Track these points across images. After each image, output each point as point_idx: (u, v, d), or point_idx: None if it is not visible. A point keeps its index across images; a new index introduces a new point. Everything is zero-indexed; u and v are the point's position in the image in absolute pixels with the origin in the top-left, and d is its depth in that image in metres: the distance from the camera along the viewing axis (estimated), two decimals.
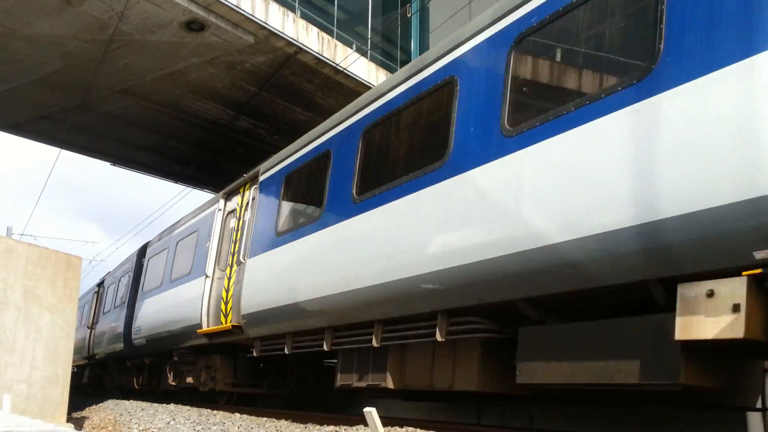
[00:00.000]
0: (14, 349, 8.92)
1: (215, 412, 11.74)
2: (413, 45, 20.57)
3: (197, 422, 9.50)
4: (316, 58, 16.24)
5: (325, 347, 8.56)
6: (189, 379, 13.62)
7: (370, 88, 17.13)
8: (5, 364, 8.82)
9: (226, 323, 11.03)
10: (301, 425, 8.62)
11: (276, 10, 15.29)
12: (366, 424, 6.28)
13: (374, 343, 7.57)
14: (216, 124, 20.15)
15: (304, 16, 16.36)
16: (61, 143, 22.44)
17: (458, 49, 6.76)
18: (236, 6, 14.37)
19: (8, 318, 8.93)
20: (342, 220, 8.11)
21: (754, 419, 5.61)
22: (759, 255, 4.00)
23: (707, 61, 4.37)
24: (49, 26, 14.76)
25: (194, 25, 14.72)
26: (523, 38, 5.86)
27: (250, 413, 11.35)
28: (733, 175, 4.05)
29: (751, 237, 4.00)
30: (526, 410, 9.02)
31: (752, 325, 4.05)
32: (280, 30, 15.32)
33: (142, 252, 18.07)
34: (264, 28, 15.05)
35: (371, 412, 5.93)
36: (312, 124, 19.67)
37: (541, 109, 5.58)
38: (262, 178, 11.03)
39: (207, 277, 12.18)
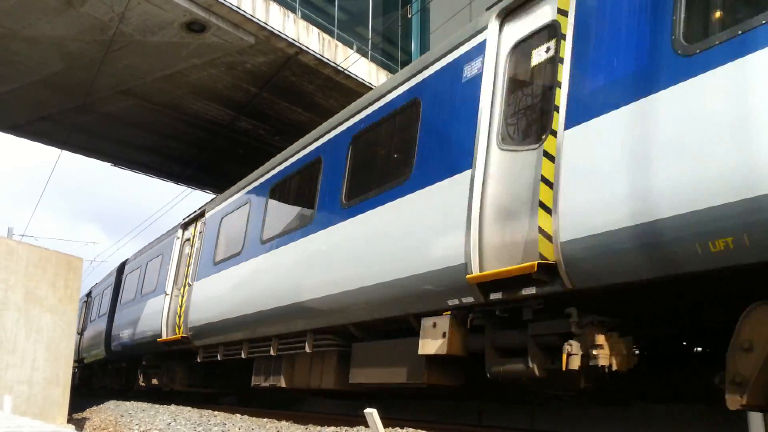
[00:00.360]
0: (15, 350, 8.92)
1: (216, 413, 11.74)
2: (414, 45, 20.57)
3: (198, 423, 9.50)
4: (317, 58, 16.23)
5: (243, 355, 10.96)
6: (154, 381, 15.86)
7: (371, 88, 17.15)
8: (6, 365, 8.82)
9: (178, 334, 13.23)
10: (302, 426, 8.62)
11: (276, 10, 15.29)
12: (367, 425, 6.28)
13: (272, 353, 10.03)
14: (216, 124, 20.15)
15: (304, 17, 16.36)
16: (62, 144, 22.43)
17: (323, 137, 9.50)
18: (237, 7, 14.37)
19: (9, 319, 8.93)
20: (253, 257, 10.63)
21: (756, 420, 5.61)
22: (450, 303, 6.42)
23: (434, 176, 6.85)
24: (49, 27, 14.76)
25: (195, 26, 14.72)
26: (355, 137, 8.52)
27: (251, 414, 11.36)
28: (435, 254, 6.54)
29: (445, 291, 6.41)
30: (528, 411, 9.02)
31: (453, 345, 6.36)
32: (281, 31, 15.32)
33: (121, 268, 20.67)
34: (264, 28, 15.05)
35: (372, 413, 5.93)
36: (313, 124, 19.67)
37: (362, 190, 8.08)
38: (206, 215, 13.64)
39: (166, 294, 14.49)
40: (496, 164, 6.11)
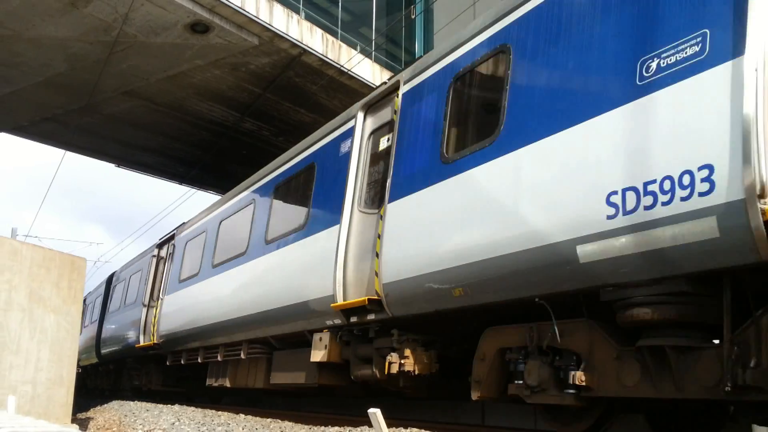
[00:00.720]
0: (19, 351, 8.94)
1: (220, 413, 11.75)
2: (417, 46, 20.56)
3: (202, 423, 9.51)
4: (321, 59, 16.23)
5: (199, 360, 13.18)
6: (135, 381, 18.25)
7: (375, 89, 17.18)
8: (10, 366, 8.83)
9: (152, 341, 15.38)
10: (306, 426, 8.62)
11: (280, 11, 15.30)
12: (370, 425, 6.27)
13: (219, 358, 12.24)
14: (220, 125, 20.17)
15: (308, 18, 16.36)
16: (66, 145, 22.48)
17: (256, 184, 11.78)
18: (240, 8, 14.38)
19: (13, 319, 8.94)
20: (206, 278, 12.81)
21: None
22: (327, 323, 8.40)
23: (319, 226, 8.89)
24: (53, 28, 14.79)
25: (198, 27, 14.73)
26: (276, 187, 10.78)
27: (254, 414, 11.36)
28: (317, 285, 8.55)
29: (323, 314, 8.42)
30: (530, 410, 8.99)
31: (332, 354, 8.33)
32: (285, 32, 15.32)
33: (109, 280, 22.82)
34: (268, 29, 15.06)
35: (376, 413, 5.92)
36: (317, 125, 19.67)
37: (278, 231, 10.21)
38: (176, 238, 15.79)
39: (144, 305, 16.69)
40: (355, 222, 8.17)
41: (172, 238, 16.19)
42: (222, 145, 21.67)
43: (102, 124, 20.48)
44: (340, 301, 7.99)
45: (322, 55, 16.17)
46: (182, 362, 14.08)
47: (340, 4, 18.37)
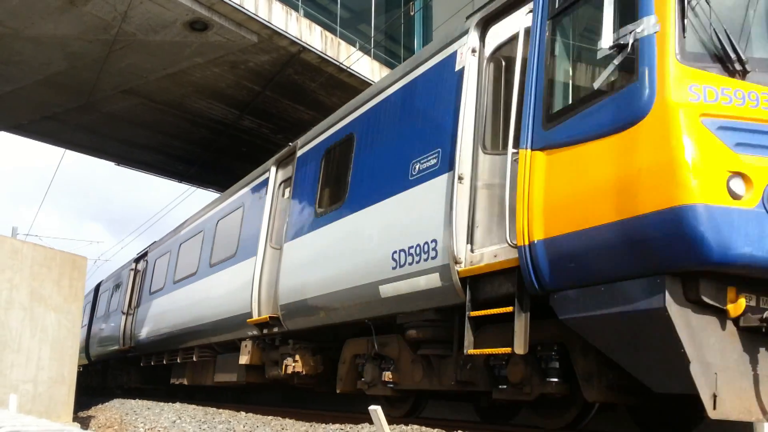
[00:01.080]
0: (20, 349, 8.95)
1: (221, 411, 11.77)
2: (416, 43, 20.55)
3: (203, 421, 9.53)
4: (320, 56, 16.22)
5: (164, 362, 15.70)
6: (118, 380, 20.79)
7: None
8: (11, 364, 8.85)
9: (130, 345, 17.88)
10: (306, 423, 8.64)
11: (279, 9, 15.28)
12: (371, 422, 6.28)
13: (179, 360, 14.67)
14: (220, 123, 20.16)
15: (307, 15, 16.35)
16: (66, 143, 22.48)
17: (203, 216, 14.61)
18: (239, 5, 14.36)
19: (14, 318, 8.95)
20: (168, 292, 15.29)
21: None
22: (249, 333, 10.57)
23: (244, 256, 11.23)
24: (52, 27, 14.78)
25: (197, 25, 14.72)
26: (218, 221, 13.33)
27: (255, 412, 11.38)
28: (241, 303, 10.82)
29: (246, 326, 10.59)
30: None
31: (254, 358, 10.50)
32: (284, 29, 15.30)
33: (97, 287, 25.44)
34: (267, 27, 15.04)
35: (376, 411, 5.93)
36: (316, 122, 19.64)
37: (219, 257, 12.74)
38: (148, 255, 18.66)
39: (123, 313, 19.09)
40: (268, 256, 10.44)
41: (146, 254, 18.97)
42: (221, 143, 21.67)
43: (101, 123, 20.47)
44: (255, 317, 10.28)
45: (321, 52, 16.16)
46: (152, 363, 16.70)
47: (338, 1, 18.36)
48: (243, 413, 11.13)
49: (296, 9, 16.06)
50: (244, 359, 10.70)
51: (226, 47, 15.65)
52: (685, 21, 4.61)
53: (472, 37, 6.60)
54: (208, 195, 34.38)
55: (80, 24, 14.66)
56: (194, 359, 13.51)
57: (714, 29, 4.62)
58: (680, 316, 4.41)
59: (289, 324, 9.37)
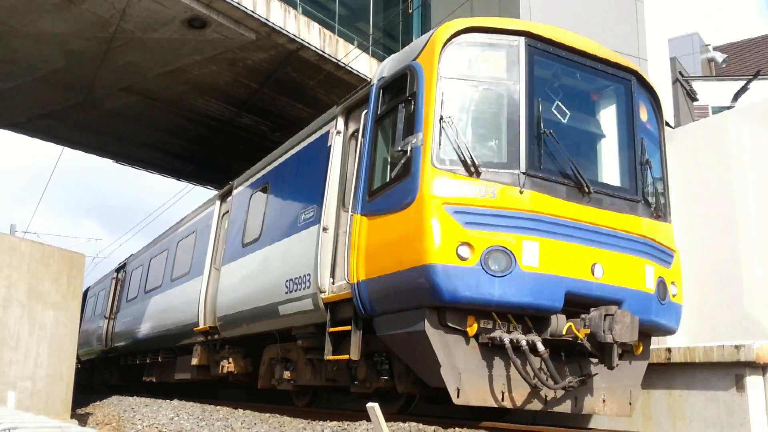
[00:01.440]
0: (18, 347, 8.96)
1: (218, 408, 11.79)
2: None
3: (201, 418, 9.55)
4: (318, 54, 16.20)
5: (137, 362, 18.21)
6: (103, 378, 23.48)
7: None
8: (9, 362, 8.86)
9: (110, 346, 20.65)
10: (304, 421, 8.66)
11: (277, 6, 15.26)
12: (369, 419, 6.30)
13: (148, 361, 17.19)
14: (218, 120, 20.15)
15: (305, 13, 16.33)
16: (64, 141, 22.45)
17: (148, 250, 19.08)
18: (238, 3, 14.34)
19: (12, 315, 8.97)
20: (140, 302, 17.89)
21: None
22: (198, 339, 13.04)
23: (196, 274, 13.60)
24: (50, 24, 14.76)
25: (196, 23, 14.70)
26: (151, 257, 18.28)
27: (253, 409, 11.39)
28: (190, 314, 13.25)
29: (194, 333, 13.07)
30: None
31: (202, 360, 12.86)
32: (282, 27, 15.28)
33: (86, 292, 27.32)
34: (265, 24, 15.02)
35: (374, 408, 5.94)
36: (314, 119, 19.60)
37: (177, 275, 15.26)
38: (127, 265, 21.45)
39: (105, 317, 21.66)
40: (213, 275, 12.58)
41: (125, 265, 21.75)
42: (219, 141, 21.65)
43: (100, 120, 20.45)
44: (201, 326, 12.57)
45: (320, 50, 16.14)
46: (128, 363, 19.35)
47: None
48: (241, 410, 11.15)
49: (294, 6, 16.04)
50: (194, 360, 12.96)
51: (224, 45, 15.64)
52: (441, 137, 6.77)
53: (339, 122, 8.86)
54: (206, 192, 34.34)
55: (78, 22, 14.65)
56: (160, 360, 16.06)
57: (458, 144, 6.76)
58: (436, 335, 6.51)
59: (224, 332, 11.67)
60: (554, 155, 7.10)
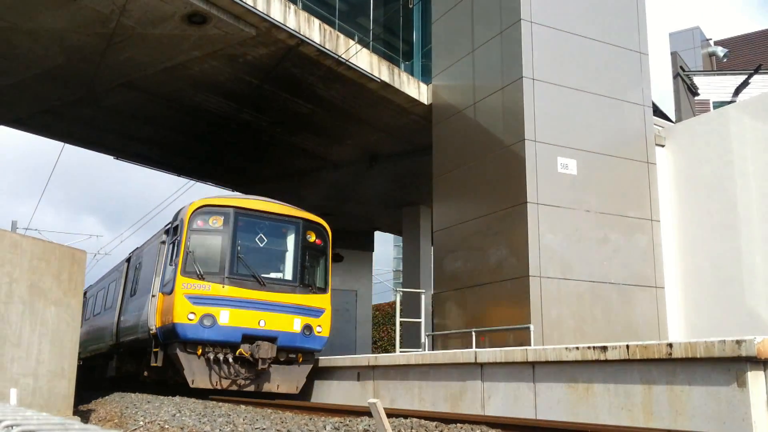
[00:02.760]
0: (20, 343, 8.97)
1: (221, 404, 11.80)
2: (415, 35, 20.51)
3: (203, 414, 9.57)
4: (318, 50, 16.18)
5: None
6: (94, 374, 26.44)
7: (373, 79, 17.10)
8: (11, 358, 8.87)
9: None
10: (306, 416, 8.67)
11: (277, 2, 15.23)
12: (371, 415, 6.31)
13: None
14: (218, 116, 20.13)
15: (305, 8, 16.29)
16: (64, 137, 22.44)
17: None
18: None
19: (14, 312, 8.97)
20: (91, 320, 23.95)
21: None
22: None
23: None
24: (50, 20, 14.74)
25: (196, 18, 14.68)
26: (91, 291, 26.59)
27: (255, 405, 11.41)
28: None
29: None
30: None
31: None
32: (282, 22, 15.25)
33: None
34: (266, 20, 15.00)
35: (376, 404, 5.96)
36: (314, 116, 19.64)
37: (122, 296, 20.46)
38: (88, 293, 25.96)
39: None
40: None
41: (88, 289, 26.06)
42: (219, 136, 21.65)
43: (100, 116, 20.45)
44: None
45: (320, 45, 16.11)
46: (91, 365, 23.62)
47: None
48: (242, 406, 11.17)
49: (294, 2, 16.01)
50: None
51: (225, 40, 15.62)
52: (187, 260, 13.55)
53: (163, 236, 15.14)
54: (207, 189, 34.33)
55: (78, 17, 14.63)
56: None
57: (195, 263, 13.46)
58: (183, 354, 13.10)
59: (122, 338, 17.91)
60: (247, 266, 13.50)
